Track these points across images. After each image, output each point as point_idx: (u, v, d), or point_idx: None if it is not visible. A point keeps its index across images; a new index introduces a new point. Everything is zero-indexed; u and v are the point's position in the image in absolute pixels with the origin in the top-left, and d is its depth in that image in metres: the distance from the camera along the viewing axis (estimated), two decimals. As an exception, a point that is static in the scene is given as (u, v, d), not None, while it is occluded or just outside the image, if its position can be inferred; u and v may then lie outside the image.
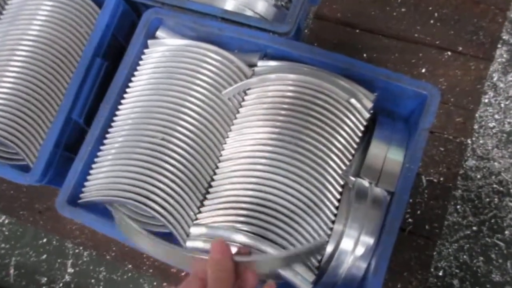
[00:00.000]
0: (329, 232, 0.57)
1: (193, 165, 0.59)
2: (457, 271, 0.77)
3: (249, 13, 0.71)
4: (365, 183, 0.57)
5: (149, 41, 0.65)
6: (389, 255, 0.54)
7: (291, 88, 0.59)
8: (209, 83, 0.61)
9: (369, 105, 0.59)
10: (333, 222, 0.57)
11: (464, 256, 0.77)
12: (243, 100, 0.62)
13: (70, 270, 0.84)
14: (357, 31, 0.79)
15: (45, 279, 0.84)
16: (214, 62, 0.61)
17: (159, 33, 0.66)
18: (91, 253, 0.80)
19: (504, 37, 0.86)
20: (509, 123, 0.83)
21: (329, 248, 0.58)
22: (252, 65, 0.64)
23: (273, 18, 0.70)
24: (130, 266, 0.75)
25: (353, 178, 0.57)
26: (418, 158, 0.56)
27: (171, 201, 0.58)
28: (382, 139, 0.60)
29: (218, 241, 0.40)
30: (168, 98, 0.59)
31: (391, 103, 0.62)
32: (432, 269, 0.77)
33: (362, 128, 0.59)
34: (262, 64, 0.62)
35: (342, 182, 0.58)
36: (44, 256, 0.86)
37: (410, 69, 0.76)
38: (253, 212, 0.56)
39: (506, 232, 0.78)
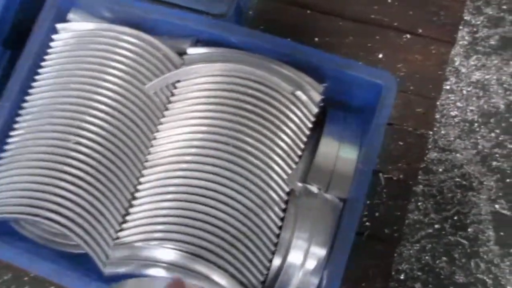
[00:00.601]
0: (272, 248, 0.49)
1: (112, 172, 0.50)
2: (419, 273, 0.71)
3: (182, -9, 0.61)
4: (314, 189, 0.49)
5: (58, 26, 0.54)
6: (342, 271, 0.48)
7: (226, 79, 0.51)
8: (130, 74, 0.51)
9: (318, 98, 0.51)
10: (277, 235, 0.50)
11: (427, 257, 0.72)
12: (172, 94, 0.53)
13: (-11, 290, 0.73)
14: (308, 12, 0.70)
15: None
16: (134, 49, 0.51)
17: (71, 15, 0.55)
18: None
19: (466, 18, 0.80)
20: (471, 111, 0.77)
21: (276, 262, 0.50)
22: (183, 53, 0.54)
23: (209, -3, 0.60)
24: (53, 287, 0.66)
25: (300, 184, 0.50)
26: (374, 158, 0.49)
27: (86, 215, 0.48)
28: (333, 136, 0.53)
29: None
30: (78, 93, 0.49)
31: (343, 94, 0.55)
32: (393, 273, 0.71)
33: (309, 125, 0.51)
34: (192, 51, 0.53)
35: (287, 189, 0.50)
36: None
37: (366, 54, 0.68)
38: (184, 227, 0.48)
39: (470, 229, 0.73)
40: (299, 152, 0.51)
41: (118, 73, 0.50)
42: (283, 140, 0.50)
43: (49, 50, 0.54)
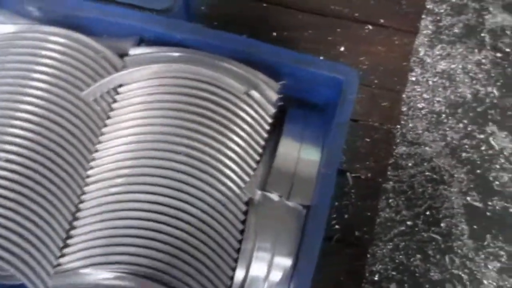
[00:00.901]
0: (233, 264, 0.45)
1: (48, 190, 0.44)
2: (393, 273, 0.69)
3: (124, -14, 0.56)
4: (274, 197, 0.45)
5: (-21, 28, 0.48)
6: (309, 283, 0.44)
7: (172, 81, 0.46)
8: (63, 79, 0.45)
9: (274, 97, 0.47)
10: (237, 250, 0.45)
11: (400, 256, 0.69)
12: (114, 100, 0.48)
13: None
14: (264, 5, 0.66)
15: None
16: (66, 50, 0.46)
17: (-4, 16, 0.49)
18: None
19: (428, 6, 0.77)
20: (438, 102, 0.75)
21: (239, 277, 0.46)
22: (125, 54, 0.49)
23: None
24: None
25: (259, 192, 0.46)
26: (337, 159, 0.45)
27: (19, 241, 0.43)
28: (293, 137, 0.49)
29: None
30: (1, 104, 0.44)
31: (302, 91, 0.51)
32: (366, 274, 0.68)
33: (267, 127, 0.47)
34: (135, 52, 0.48)
35: (246, 198, 0.46)
36: None
37: (327, 48, 0.65)
38: (132, 247, 0.43)
39: (442, 224, 0.71)
40: (257, 157, 0.47)
41: (48, 79, 0.44)
42: (238, 145, 0.46)
43: (-30, 57, 0.48)
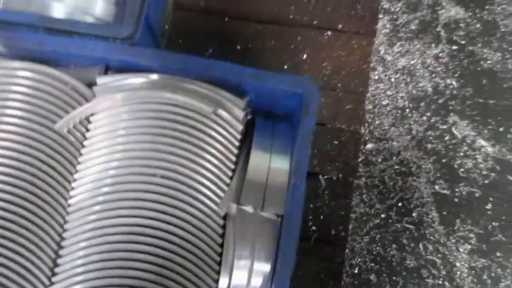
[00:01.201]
0: (216, 276, 0.47)
1: (32, 222, 0.46)
2: (372, 264, 0.72)
3: (87, 18, 0.57)
4: (249, 209, 0.48)
5: None
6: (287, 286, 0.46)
7: (142, 107, 0.48)
8: (34, 113, 0.47)
9: (241, 114, 0.49)
10: (219, 263, 0.48)
11: (377, 248, 0.72)
12: (87, 130, 0.49)
13: None
14: (226, 19, 0.68)
15: None
16: (35, 84, 0.47)
17: (-38, 56, 0.50)
18: None
19: (384, 6, 0.80)
20: (401, 97, 0.78)
21: (223, 284, 0.49)
22: (94, 84, 0.51)
23: (115, 19, 0.57)
24: None
25: (234, 206, 0.48)
26: (304, 170, 0.48)
27: (9, 274, 0.44)
28: (263, 148, 0.52)
29: None
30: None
31: (268, 104, 0.54)
32: (347, 268, 0.71)
33: (237, 143, 0.49)
34: (102, 81, 0.50)
35: (223, 213, 0.48)
36: None
37: (290, 57, 0.67)
38: (120, 270, 0.45)
39: (414, 214, 0.74)
40: (230, 173, 0.49)
41: (20, 114, 0.45)
42: (212, 163, 0.48)
43: None
